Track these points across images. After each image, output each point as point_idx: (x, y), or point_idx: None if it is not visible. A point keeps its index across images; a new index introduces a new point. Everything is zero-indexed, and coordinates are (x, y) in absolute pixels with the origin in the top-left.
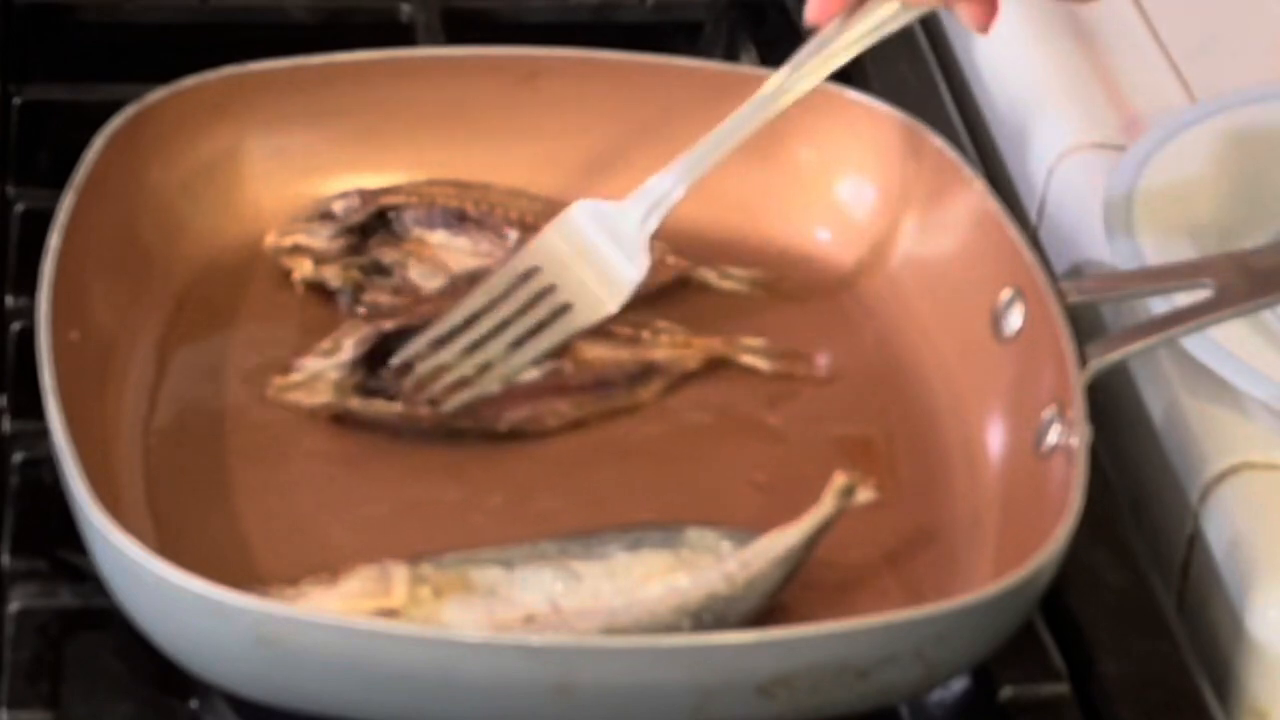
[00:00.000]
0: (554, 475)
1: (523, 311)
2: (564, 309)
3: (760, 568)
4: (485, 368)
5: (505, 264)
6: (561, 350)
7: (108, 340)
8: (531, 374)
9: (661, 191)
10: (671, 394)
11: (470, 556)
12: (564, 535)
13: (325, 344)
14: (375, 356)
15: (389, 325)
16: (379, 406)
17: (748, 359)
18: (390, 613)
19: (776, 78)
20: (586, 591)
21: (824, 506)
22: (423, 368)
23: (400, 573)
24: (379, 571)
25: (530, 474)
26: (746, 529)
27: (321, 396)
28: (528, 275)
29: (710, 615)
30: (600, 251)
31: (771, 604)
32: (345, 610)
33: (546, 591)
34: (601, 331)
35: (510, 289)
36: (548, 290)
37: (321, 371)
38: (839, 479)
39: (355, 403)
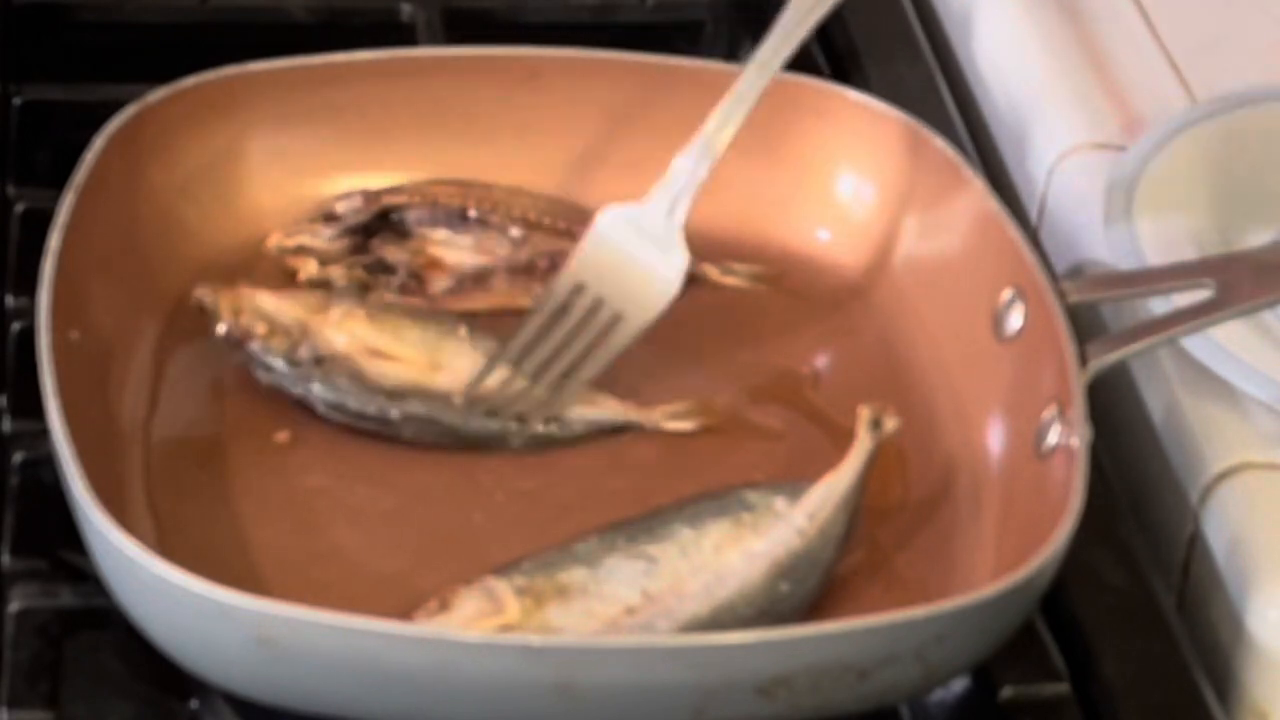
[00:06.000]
0: (559, 479)
1: (576, 332)
2: (616, 320)
3: (827, 515)
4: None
5: (549, 288)
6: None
7: (108, 340)
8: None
9: (682, 178)
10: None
11: (547, 560)
12: (619, 523)
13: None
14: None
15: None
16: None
17: (662, 421)
18: (508, 627)
19: (768, 45)
20: (667, 573)
21: (863, 442)
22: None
23: (503, 587)
24: (483, 590)
25: (534, 475)
26: (792, 482)
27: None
28: (575, 293)
29: (797, 573)
30: (636, 254)
31: (841, 557)
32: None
33: (636, 582)
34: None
35: (559, 311)
36: (596, 305)
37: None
38: (864, 413)
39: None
